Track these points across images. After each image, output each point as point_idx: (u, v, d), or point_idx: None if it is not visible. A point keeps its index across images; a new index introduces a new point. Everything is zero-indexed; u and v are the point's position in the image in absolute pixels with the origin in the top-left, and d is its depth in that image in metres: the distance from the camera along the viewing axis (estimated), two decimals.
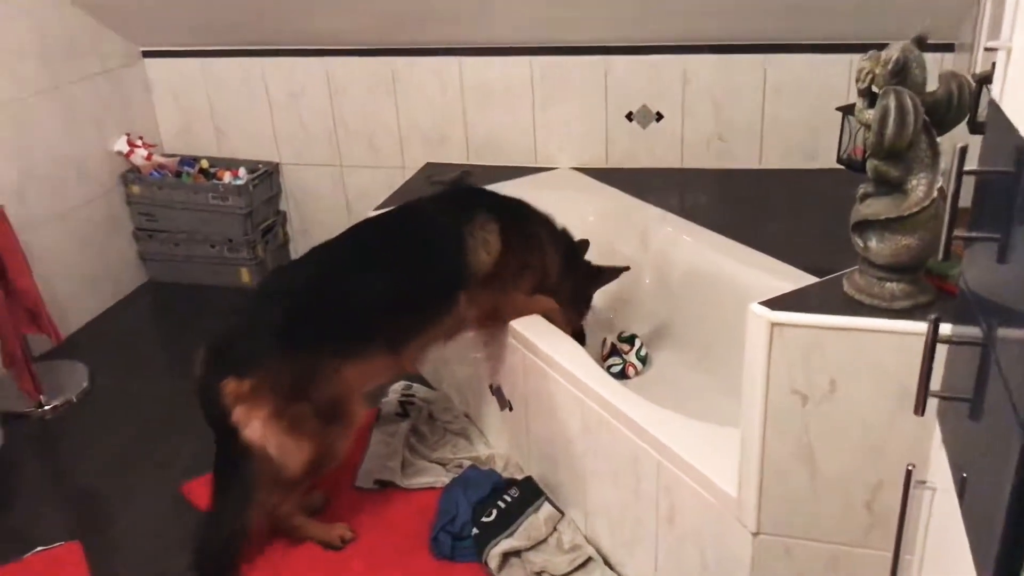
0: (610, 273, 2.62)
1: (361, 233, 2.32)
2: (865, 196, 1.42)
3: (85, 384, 2.99)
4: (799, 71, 3.00)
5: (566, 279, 2.49)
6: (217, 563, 2.09)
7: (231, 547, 2.09)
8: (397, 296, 2.16)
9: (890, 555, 1.19)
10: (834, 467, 1.47)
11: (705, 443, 1.78)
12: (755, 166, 3.15)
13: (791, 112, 3.06)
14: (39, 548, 2.26)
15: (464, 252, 2.25)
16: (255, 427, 1.98)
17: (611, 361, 2.69)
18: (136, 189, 3.55)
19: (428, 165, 3.42)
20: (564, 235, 2.55)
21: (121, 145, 3.50)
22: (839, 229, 1.49)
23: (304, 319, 2.06)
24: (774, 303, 1.46)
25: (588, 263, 2.60)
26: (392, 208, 2.48)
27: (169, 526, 2.32)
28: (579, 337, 2.49)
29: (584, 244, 2.60)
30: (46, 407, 2.86)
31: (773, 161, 3.13)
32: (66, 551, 2.25)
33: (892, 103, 1.30)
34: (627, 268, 2.64)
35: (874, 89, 1.35)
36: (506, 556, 2.11)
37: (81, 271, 3.37)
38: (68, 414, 2.87)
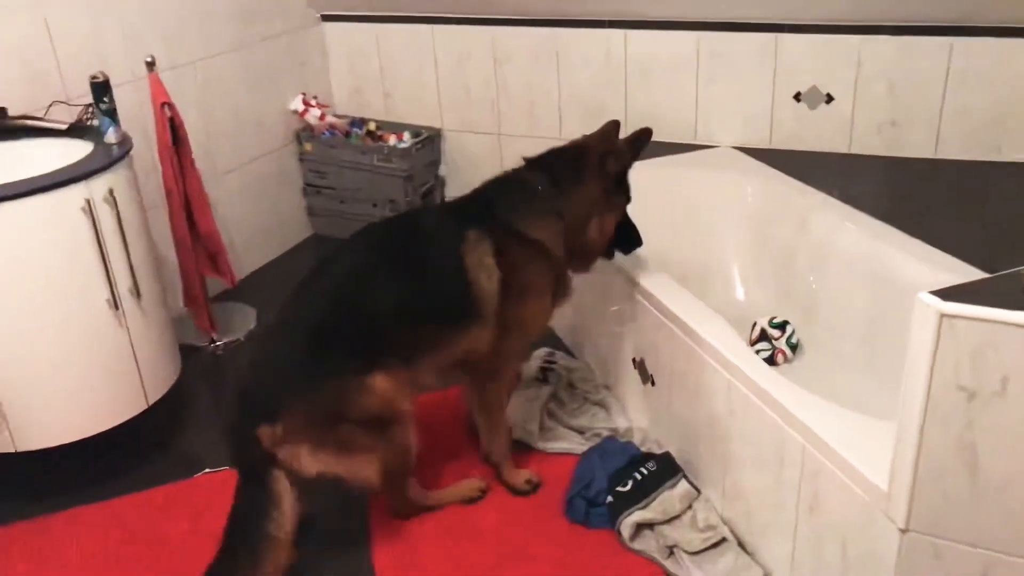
0: (632, 145, 2.26)
1: (369, 244, 2.17)
2: None
3: (253, 325, 3.21)
4: (989, 56, 2.80)
5: (591, 216, 2.21)
6: None
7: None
8: (407, 312, 2.05)
9: None
10: (999, 469, 1.40)
11: (855, 433, 1.73)
12: (930, 155, 2.98)
13: (976, 100, 2.86)
14: (207, 470, 2.46)
15: (466, 278, 2.08)
16: (305, 464, 1.95)
17: (760, 346, 2.64)
18: (308, 147, 3.75)
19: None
20: (552, 175, 2.19)
21: (297, 104, 3.70)
22: (1020, 228, 1.41)
23: (323, 343, 1.99)
24: (945, 293, 1.40)
25: (603, 152, 2.21)
26: (398, 215, 2.32)
27: None
28: (629, 237, 2.33)
29: (597, 139, 2.25)
30: (218, 344, 3.09)
31: (951, 151, 2.95)
32: (229, 474, 2.42)
33: None
34: (646, 129, 2.30)
35: None
36: (639, 527, 2.13)
37: (254, 221, 3.61)
38: (237, 351, 3.09)
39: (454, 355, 2.17)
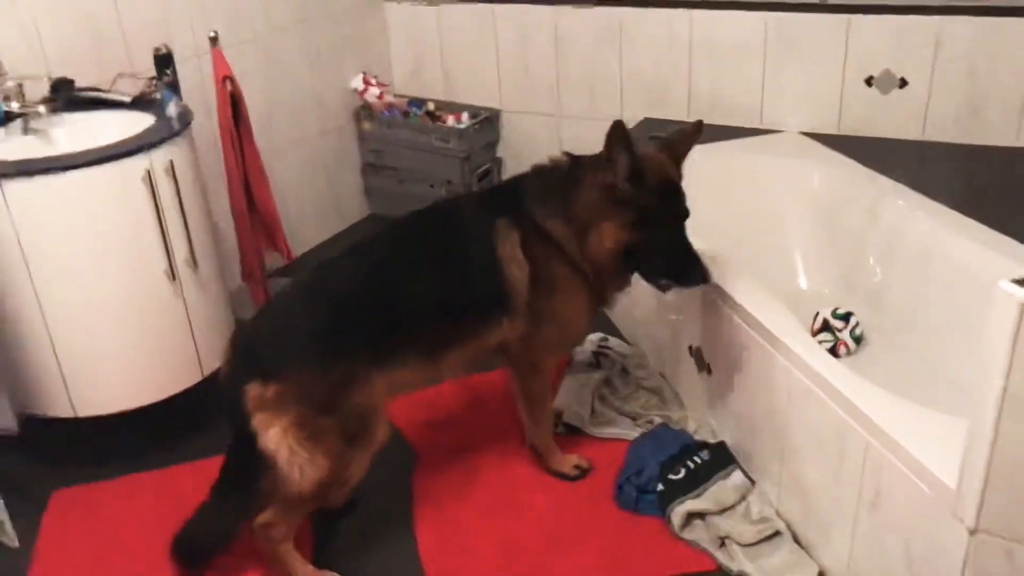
0: (682, 141, 2.11)
1: (404, 231, 2.13)
2: None
3: None
4: None
5: (596, 223, 2.02)
6: (194, 556, 2.01)
7: (215, 547, 2.01)
8: (438, 302, 1.99)
9: None
10: None
11: (921, 427, 1.65)
12: (1012, 144, 2.84)
13: None
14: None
15: (498, 269, 2.02)
16: (272, 436, 1.81)
17: (822, 337, 2.56)
18: (367, 126, 3.75)
19: (646, 120, 3.37)
20: (570, 182, 2.05)
21: (357, 83, 3.70)
22: None
23: (345, 322, 1.90)
24: None
25: (653, 154, 2.08)
26: (434, 203, 2.23)
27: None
28: (684, 266, 2.06)
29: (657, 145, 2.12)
30: None
31: None
32: None
33: None
34: (699, 122, 2.15)
35: None
36: (690, 516, 2.08)
37: (312, 199, 3.62)
38: None
39: (483, 347, 2.11)
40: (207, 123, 2.85)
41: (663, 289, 2.12)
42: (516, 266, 2.04)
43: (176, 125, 2.35)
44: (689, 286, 2.12)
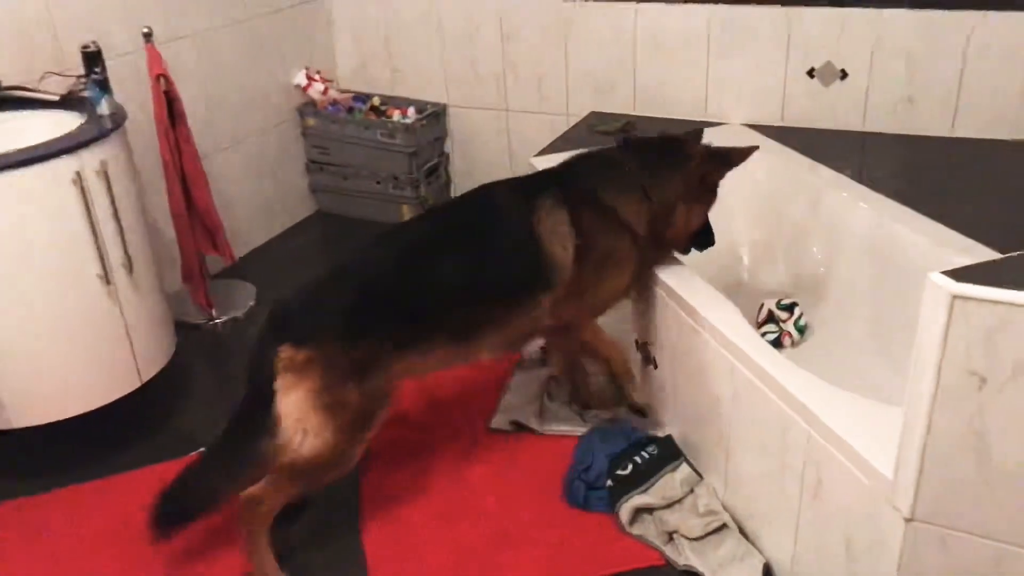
0: (737, 155, 2.25)
1: (439, 218, 2.23)
2: None
3: (252, 303, 3.16)
4: (1012, 32, 2.71)
5: (676, 205, 2.21)
6: (179, 513, 1.99)
7: (201, 506, 2.00)
8: (472, 287, 2.03)
9: None
10: (1010, 457, 1.34)
11: (861, 418, 1.67)
12: (947, 134, 2.89)
13: (996, 78, 2.77)
14: (202, 449, 2.41)
15: (539, 248, 2.07)
16: (293, 398, 1.87)
17: (766, 328, 2.58)
18: (311, 122, 3.69)
19: (592, 114, 3.36)
20: (646, 157, 2.24)
21: (300, 79, 3.64)
22: None
23: (375, 303, 1.97)
24: (957, 274, 1.33)
25: (703, 154, 2.24)
26: (470, 192, 2.25)
27: None
28: (706, 234, 2.32)
29: (692, 138, 2.30)
30: (217, 321, 3.05)
31: (969, 130, 2.86)
32: None
33: None
34: (756, 147, 2.27)
35: None
36: (638, 511, 2.08)
37: (256, 198, 3.56)
38: (235, 329, 3.05)
39: (522, 328, 2.16)
40: (145, 122, 2.78)
41: (686, 251, 2.35)
42: (559, 243, 2.09)
43: (108, 124, 2.29)
44: (706, 248, 2.37)
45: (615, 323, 2.57)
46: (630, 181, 2.19)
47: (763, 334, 2.53)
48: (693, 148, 2.25)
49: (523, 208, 2.10)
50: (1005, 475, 1.36)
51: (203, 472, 1.99)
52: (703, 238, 2.33)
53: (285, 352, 1.88)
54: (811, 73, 3.03)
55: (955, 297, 1.30)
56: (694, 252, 2.34)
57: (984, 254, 2.08)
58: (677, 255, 2.34)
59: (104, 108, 2.33)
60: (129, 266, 2.30)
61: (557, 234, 2.09)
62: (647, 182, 2.19)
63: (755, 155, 2.27)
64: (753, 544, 2.00)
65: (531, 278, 2.09)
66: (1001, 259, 1.42)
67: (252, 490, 1.95)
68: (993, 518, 1.40)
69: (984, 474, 1.37)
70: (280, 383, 1.88)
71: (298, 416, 1.88)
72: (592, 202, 2.15)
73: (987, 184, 2.59)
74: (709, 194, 2.28)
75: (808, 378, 1.81)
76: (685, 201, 2.22)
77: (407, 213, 3.64)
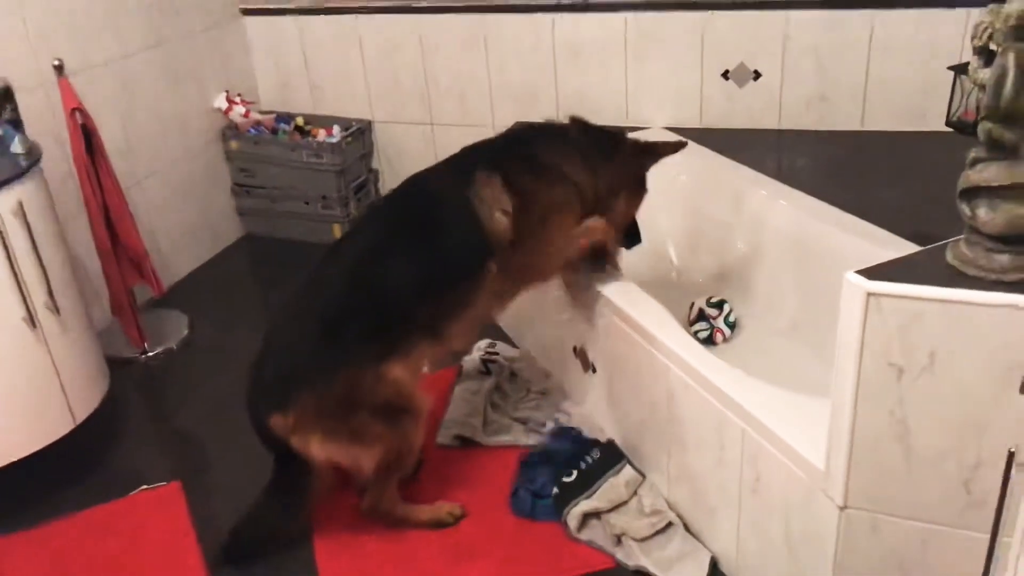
0: (663, 148, 2.33)
1: (377, 221, 2.22)
2: (976, 161, 1.34)
3: (185, 332, 3.11)
4: (909, 27, 2.84)
5: (608, 183, 2.25)
6: (245, 553, 2.12)
7: (265, 545, 2.13)
8: (427, 280, 2.04)
9: (987, 537, 1.14)
10: (930, 443, 1.42)
11: (792, 413, 1.73)
12: (857, 128, 3.01)
13: (899, 71, 2.91)
14: (143, 487, 2.38)
15: (478, 219, 2.07)
16: (314, 451, 1.99)
17: (698, 326, 2.65)
18: (234, 145, 3.65)
19: (517, 124, 3.39)
20: (588, 136, 2.29)
21: (220, 102, 3.59)
22: (947, 196, 1.41)
23: (340, 327, 1.98)
24: (871, 272, 1.40)
25: (634, 144, 2.33)
26: (399, 187, 2.25)
27: (265, 469, 2.39)
28: (634, 233, 2.38)
29: (621, 134, 2.38)
30: (150, 353, 3.00)
31: (878, 123, 2.99)
32: (168, 490, 2.36)
33: (1011, 62, 1.22)
34: (685, 142, 2.39)
35: (992, 47, 1.26)
36: (586, 517, 2.11)
37: (182, 224, 3.50)
38: (170, 361, 3.00)
39: (483, 306, 2.17)
40: (61, 156, 2.71)
41: (628, 245, 2.40)
42: (497, 209, 2.08)
43: (23, 164, 2.23)
44: (634, 246, 2.41)
45: (552, 330, 2.62)
46: (569, 146, 2.24)
47: (695, 332, 2.60)
48: (624, 138, 2.35)
49: (459, 186, 2.10)
50: (926, 460, 1.43)
51: (262, 517, 2.10)
52: (632, 236, 2.38)
53: (277, 422, 1.97)
54: (726, 75, 3.13)
55: (870, 294, 1.37)
56: (625, 255, 2.40)
57: (898, 244, 2.17)
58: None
59: (18, 147, 2.27)
60: (55, 308, 2.25)
61: (494, 199, 2.09)
62: (589, 152, 2.23)
63: (677, 157, 2.34)
64: (699, 540, 2.05)
65: (481, 251, 2.09)
66: (911, 255, 1.50)
67: (366, 503, 2.15)
68: (918, 501, 1.48)
69: (908, 460, 1.45)
70: (294, 444, 1.99)
71: (340, 457, 2.03)
72: (529, 160, 2.18)
73: (897, 175, 2.71)
74: (639, 186, 2.33)
75: (740, 376, 1.87)
76: (619, 187, 2.28)
77: (338, 232, 3.63)
